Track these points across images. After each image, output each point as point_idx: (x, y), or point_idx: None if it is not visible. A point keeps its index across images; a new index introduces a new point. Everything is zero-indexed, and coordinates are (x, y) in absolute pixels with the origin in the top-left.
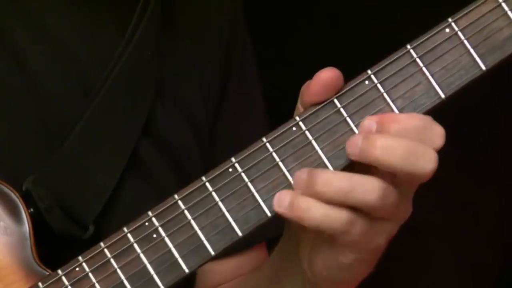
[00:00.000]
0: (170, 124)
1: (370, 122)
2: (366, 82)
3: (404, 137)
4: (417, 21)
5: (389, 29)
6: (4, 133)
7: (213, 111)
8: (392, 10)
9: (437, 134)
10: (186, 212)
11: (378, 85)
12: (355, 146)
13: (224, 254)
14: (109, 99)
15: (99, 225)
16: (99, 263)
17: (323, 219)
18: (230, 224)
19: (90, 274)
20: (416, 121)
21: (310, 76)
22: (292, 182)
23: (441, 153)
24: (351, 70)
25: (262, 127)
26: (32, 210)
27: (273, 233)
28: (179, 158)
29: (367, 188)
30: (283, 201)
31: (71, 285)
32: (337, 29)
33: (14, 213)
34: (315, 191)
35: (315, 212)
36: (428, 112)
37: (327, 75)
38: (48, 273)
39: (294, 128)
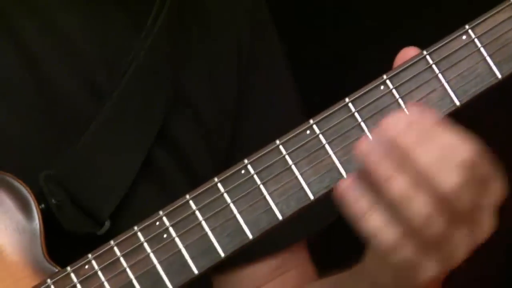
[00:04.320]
0: (183, 127)
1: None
2: (382, 87)
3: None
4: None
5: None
6: (15, 129)
7: (233, 114)
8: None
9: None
10: (197, 212)
11: (393, 90)
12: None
13: (260, 255)
14: (125, 98)
15: (114, 223)
16: (109, 261)
17: (377, 230)
18: (241, 226)
19: (99, 272)
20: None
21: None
22: (304, 185)
23: None
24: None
25: (294, 122)
26: (43, 206)
27: (313, 230)
28: (192, 163)
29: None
30: (350, 189)
31: (79, 282)
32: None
33: (25, 209)
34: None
35: (373, 219)
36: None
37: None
38: (57, 270)
39: (307, 132)
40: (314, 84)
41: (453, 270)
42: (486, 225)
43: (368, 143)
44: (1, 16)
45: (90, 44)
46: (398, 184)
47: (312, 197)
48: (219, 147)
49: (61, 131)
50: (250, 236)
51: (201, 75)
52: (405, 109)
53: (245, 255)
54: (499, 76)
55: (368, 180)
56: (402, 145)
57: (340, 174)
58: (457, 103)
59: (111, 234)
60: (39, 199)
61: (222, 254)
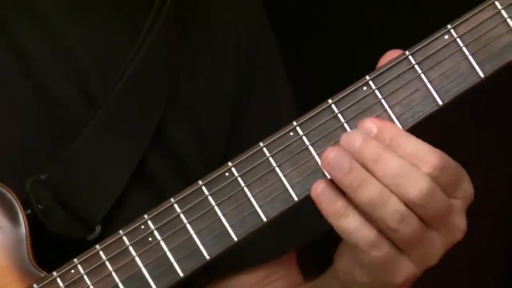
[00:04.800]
0: (178, 134)
1: (371, 125)
2: (364, 88)
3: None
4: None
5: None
6: (11, 134)
7: (231, 120)
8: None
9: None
10: (182, 215)
11: (376, 91)
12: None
13: (250, 264)
14: (119, 103)
15: (105, 228)
16: (94, 265)
17: (352, 230)
18: (225, 228)
19: (85, 276)
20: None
21: (311, 78)
22: (288, 187)
23: None
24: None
25: None
26: (29, 211)
27: (302, 242)
28: (186, 169)
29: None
30: (325, 191)
31: (65, 287)
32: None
33: (11, 214)
34: (365, 161)
35: (349, 220)
36: (426, 119)
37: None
38: (43, 275)
39: (291, 133)
40: (308, 85)
41: (425, 270)
42: (458, 226)
43: (334, 155)
44: (1, 20)
45: (86, 51)
46: (368, 191)
47: (296, 199)
48: (215, 153)
49: (56, 136)
50: (235, 238)
51: (198, 80)
52: (364, 125)
53: (234, 264)
54: (482, 75)
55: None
56: (367, 155)
57: (324, 175)
58: (440, 102)
59: (101, 240)
60: (26, 204)
61: (207, 257)
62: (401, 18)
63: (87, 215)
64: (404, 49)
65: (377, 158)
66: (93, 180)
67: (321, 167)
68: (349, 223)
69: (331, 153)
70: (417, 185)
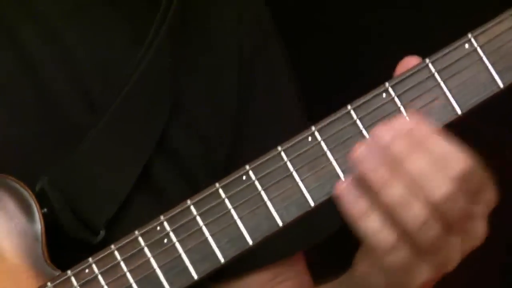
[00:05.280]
0: (182, 137)
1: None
2: (384, 95)
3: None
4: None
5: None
6: (15, 134)
7: (233, 124)
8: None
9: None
10: (198, 218)
11: (395, 98)
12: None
13: (259, 264)
14: (125, 109)
15: (109, 232)
16: (109, 266)
17: (374, 232)
18: (241, 232)
19: (100, 276)
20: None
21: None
22: (305, 192)
23: None
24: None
25: (296, 130)
26: (45, 210)
27: (312, 242)
28: (190, 174)
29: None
30: (349, 189)
31: (80, 286)
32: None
33: (27, 212)
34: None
35: (370, 220)
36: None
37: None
38: (57, 273)
39: (309, 138)
40: (308, 85)
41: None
42: (478, 232)
43: (363, 149)
44: (2, 22)
45: (88, 55)
46: (392, 190)
47: (312, 204)
48: (218, 158)
49: (58, 138)
50: (250, 242)
51: (201, 86)
52: (406, 116)
53: (242, 264)
54: (501, 85)
55: (365, 184)
56: (396, 152)
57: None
58: (459, 112)
59: (106, 244)
60: (41, 203)
61: (222, 260)
62: (401, 18)
63: (91, 218)
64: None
65: (404, 157)
66: (97, 184)
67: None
68: (371, 224)
69: (361, 147)
70: (441, 188)
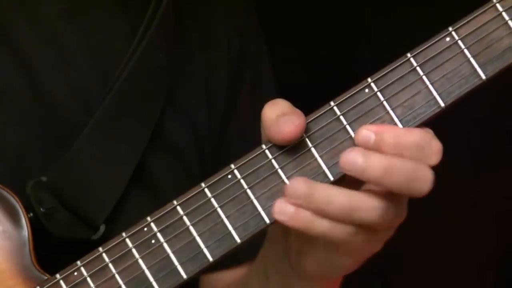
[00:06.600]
0: (176, 132)
1: (368, 133)
2: (366, 90)
3: (402, 157)
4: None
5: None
6: (10, 137)
7: (221, 119)
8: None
9: (434, 151)
10: (184, 218)
11: (378, 93)
12: (352, 164)
13: (227, 265)
14: (117, 104)
15: (107, 227)
16: (98, 268)
17: (326, 231)
18: (228, 231)
19: (88, 279)
20: (415, 137)
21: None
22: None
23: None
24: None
25: None
26: (31, 214)
27: None
28: (185, 168)
29: (367, 207)
30: (285, 210)
31: None
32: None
33: (13, 217)
34: (314, 206)
35: (318, 224)
36: (428, 121)
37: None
38: (46, 278)
39: None
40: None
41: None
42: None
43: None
44: (0, 23)
45: (86, 54)
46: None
47: None
48: (209, 151)
49: (56, 139)
50: (238, 240)
51: (192, 78)
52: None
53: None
54: (483, 77)
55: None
56: (374, 172)
57: (327, 177)
58: (442, 104)
59: (106, 239)
60: (28, 207)
61: (211, 259)
62: (401, 18)
63: (90, 215)
64: (405, 50)
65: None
66: (93, 181)
67: (324, 169)
68: (318, 226)
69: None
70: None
